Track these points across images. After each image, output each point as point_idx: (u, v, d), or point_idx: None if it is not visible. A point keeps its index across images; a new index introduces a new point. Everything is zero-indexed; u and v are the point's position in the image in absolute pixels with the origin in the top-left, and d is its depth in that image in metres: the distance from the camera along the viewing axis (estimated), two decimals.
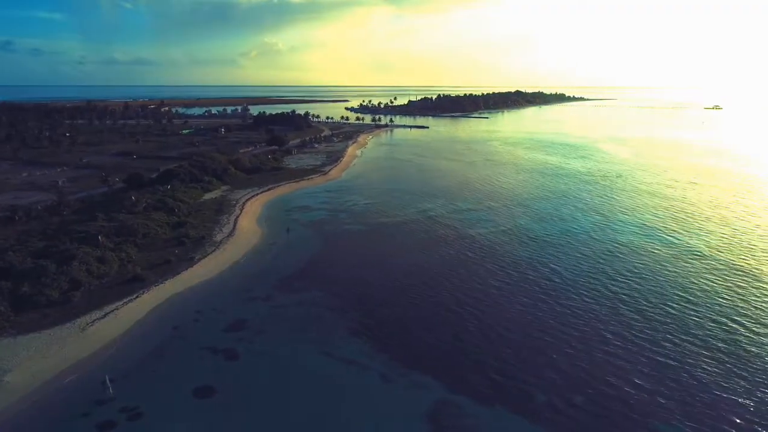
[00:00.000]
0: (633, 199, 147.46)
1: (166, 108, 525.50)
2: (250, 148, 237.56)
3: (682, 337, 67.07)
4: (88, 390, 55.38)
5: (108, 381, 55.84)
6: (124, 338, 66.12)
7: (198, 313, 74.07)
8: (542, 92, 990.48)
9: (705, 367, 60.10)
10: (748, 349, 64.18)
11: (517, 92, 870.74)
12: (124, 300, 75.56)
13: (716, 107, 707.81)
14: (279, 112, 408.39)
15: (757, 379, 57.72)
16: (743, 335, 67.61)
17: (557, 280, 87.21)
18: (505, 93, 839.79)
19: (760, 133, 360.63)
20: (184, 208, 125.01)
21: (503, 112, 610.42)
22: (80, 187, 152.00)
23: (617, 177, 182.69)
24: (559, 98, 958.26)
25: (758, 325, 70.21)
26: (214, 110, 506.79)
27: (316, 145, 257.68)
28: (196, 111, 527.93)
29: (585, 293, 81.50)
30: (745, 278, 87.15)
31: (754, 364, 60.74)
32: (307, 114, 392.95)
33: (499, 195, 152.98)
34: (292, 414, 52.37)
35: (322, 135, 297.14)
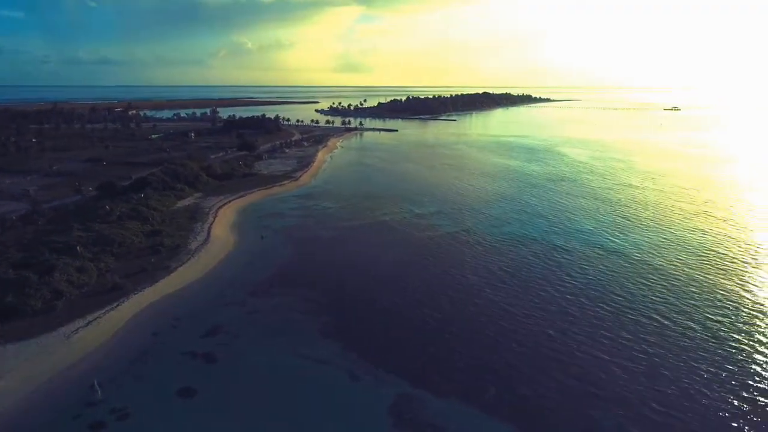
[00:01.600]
0: (579, 202, 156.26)
1: (134, 111, 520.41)
2: (220, 154, 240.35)
3: (617, 332, 74.78)
4: (78, 393, 59.79)
5: (96, 384, 60.38)
6: (108, 345, 70.53)
7: (177, 319, 78.74)
8: (510, 93, 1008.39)
9: (638, 359, 67.78)
10: (679, 343, 72.20)
11: (485, 94, 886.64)
12: (105, 309, 79.66)
13: (675, 108, 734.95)
14: (249, 115, 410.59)
15: (682, 371, 65.52)
16: (672, 330, 75.67)
17: (508, 281, 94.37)
18: (474, 94, 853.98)
19: (711, 134, 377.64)
20: (158, 217, 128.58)
21: (471, 114, 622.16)
22: (53, 195, 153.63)
23: (568, 180, 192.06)
24: (526, 99, 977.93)
25: (683, 318, 78.46)
26: (182, 113, 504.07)
27: (287, 150, 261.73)
28: (165, 114, 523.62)
29: (533, 294, 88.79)
30: (670, 279, 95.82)
31: (682, 356, 68.69)
32: (277, 117, 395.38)
33: (459, 200, 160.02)
34: (268, 411, 57.83)
35: (293, 139, 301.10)
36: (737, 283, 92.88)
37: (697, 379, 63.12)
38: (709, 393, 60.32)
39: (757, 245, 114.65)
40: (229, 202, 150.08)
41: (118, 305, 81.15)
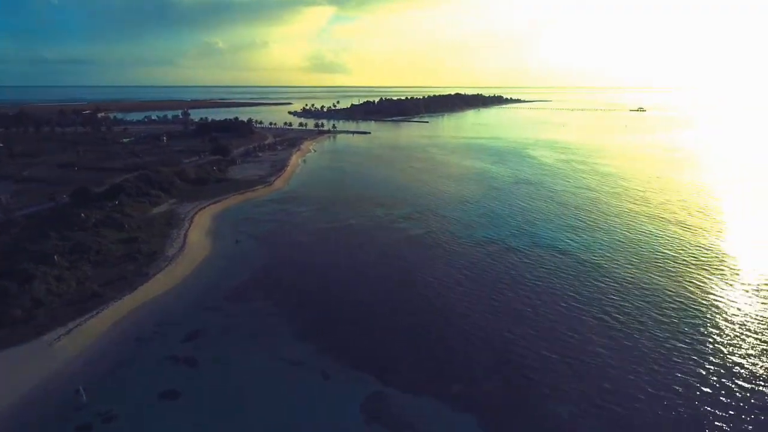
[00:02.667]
0: (538, 205, 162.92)
1: (103, 113, 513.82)
2: (194, 158, 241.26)
3: (577, 329, 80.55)
4: (64, 399, 62.64)
5: (82, 389, 63.29)
6: (91, 351, 73.28)
7: (157, 325, 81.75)
8: (481, 94, 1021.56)
9: (588, 355, 73.54)
10: (624, 343, 78.28)
11: (457, 95, 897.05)
12: (86, 316, 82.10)
13: (640, 109, 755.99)
14: (222, 118, 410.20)
15: (627, 367, 71.44)
16: (619, 329, 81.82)
17: (470, 283, 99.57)
18: (446, 95, 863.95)
19: (670, 136, 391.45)
20: (133, 224, 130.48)
21: (443, 115, 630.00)
22: (25, 202, 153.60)
23: (532, 183, 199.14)
24: (497, 101, 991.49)
25: (629, 318, 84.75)
26: (154, 116, 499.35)
27: (260, 154, 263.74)
28: (135, 116, 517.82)
29: (492, 295, 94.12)
30: (618, 280, 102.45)
31: (628, 353, 74.69)
32: (250, 120, 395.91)
33: (428, 204, 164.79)
34: (247, 410, 61.61)
35: (266, 143, 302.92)
36: (679, 284, 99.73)
37: (641, 373, 69.01)
38: (650, 387, 66.22)
39: (699, 245, 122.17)
40: (204, 207, 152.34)
41: (98, 313, 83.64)
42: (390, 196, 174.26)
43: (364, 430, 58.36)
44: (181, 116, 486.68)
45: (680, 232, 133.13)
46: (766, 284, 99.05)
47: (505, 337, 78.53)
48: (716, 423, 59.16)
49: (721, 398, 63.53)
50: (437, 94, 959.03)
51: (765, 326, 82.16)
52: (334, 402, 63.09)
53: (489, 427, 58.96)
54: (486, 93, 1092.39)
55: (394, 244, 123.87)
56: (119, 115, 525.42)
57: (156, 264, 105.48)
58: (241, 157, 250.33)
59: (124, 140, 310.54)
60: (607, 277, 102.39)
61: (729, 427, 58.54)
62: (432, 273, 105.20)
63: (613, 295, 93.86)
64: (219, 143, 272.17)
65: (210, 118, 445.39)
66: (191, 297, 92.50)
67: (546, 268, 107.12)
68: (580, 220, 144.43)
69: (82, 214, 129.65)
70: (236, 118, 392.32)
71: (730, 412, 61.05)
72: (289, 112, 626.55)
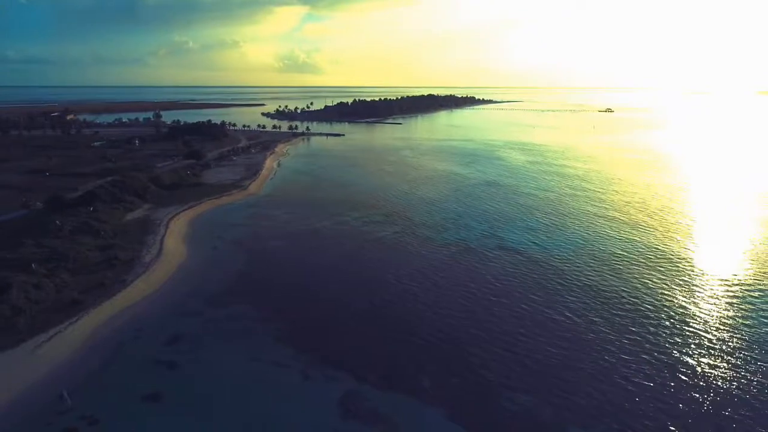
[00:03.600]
0: (502, 208, 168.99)
1: (72, 115, 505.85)
2: (167, 162, 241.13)
3: (534, 328, 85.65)
4: (49, 403, 64.73)
5: (66, 394, 65.53)
6: (73, 357, 75.29)
7: (137, 330, 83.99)
8: (454, 95, 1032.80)
9: (550, 352, 78.61)
10: (575, 340, 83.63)
11: (430, 96, 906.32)
12: (66, 323, 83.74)
13: (608, 110, 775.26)
14: (195, 121, 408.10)
15: (586, 362, 76.69)
16: (571, 328, 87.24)
17: (440, 283, 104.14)
18: (419, 96, 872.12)
19: (635, 137, 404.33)
20: (109, 230, 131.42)
21: (417, 117, 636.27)
22: None
23: (500, 186, 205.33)
24: (470, 101, 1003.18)
25: (585, 318, 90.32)
26: (125, 118, 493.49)
27: (234, 158, 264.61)
28: (105, 118, 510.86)
29: (459, 295, 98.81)
30: (573, 280, 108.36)
31: (587, 349, 79.98)
32: (223, 123, 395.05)
33: (400, 207, 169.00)
34: (229, 410, 64.69)
35: (240, 146, 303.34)
36: (630, 284, 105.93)
37: (600, 367, 74.28)
38: (597, 379, 71.50)
39: (651, 246, 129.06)
40: (180, 213, 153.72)
41: (78, 319, 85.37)
42: (364, 200, 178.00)
43: (340, 424, 62.02)
44: (152, 118, 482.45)
45: (635, 233, 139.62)
46: (710, 284, 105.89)
47: (470, 334, 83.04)
48: (652, 412, 64.53)
49: (661, 389, 69.00)
50: (411, 94, 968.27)
51: (706, 324, 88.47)
52: (313, 400, 66.59)
53: (455, 417, 63.22)
54: (459, 93, 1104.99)
55: (368, 247, 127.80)
56: (89, 118, 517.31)
57: (134, 271, 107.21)
58: (215, 161, 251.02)
59: (96, 144, 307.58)
60: (563, 278, 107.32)
61: (662, 414, 63.94)
62: (403, 274, 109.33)
63: (568, 295, 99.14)
64: (193, 147, 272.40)
65: (182, 121, 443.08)
66: (170, 303, 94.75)
67: (508, 270, 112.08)
68: (542, 222, 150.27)
69: (57, 222, 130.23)
70: (209, 121, 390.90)
71: (668, 401, 66.56)
72: (263, 114, 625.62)
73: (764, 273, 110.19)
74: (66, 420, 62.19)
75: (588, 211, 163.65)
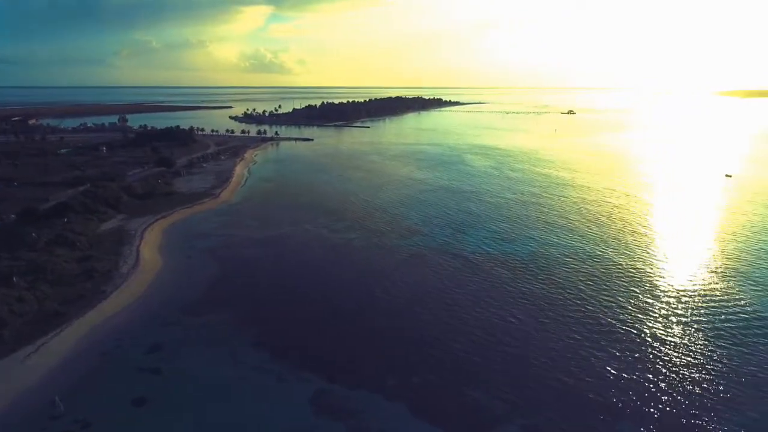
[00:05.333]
0: (461, 217, 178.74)
1: (34, 120, 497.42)
2: (137, 170, 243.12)
3: (489, 329, 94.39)
4: (42, 409, 70.02)
5: (58, 400, 70.96)
6: (61, 366, 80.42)
7: (119, 340, 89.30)
8: (421, 96, 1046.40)
9: (505, 352, 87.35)
10: (526, 339, 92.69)
11: (398, 98, 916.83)
12: (51, 334, 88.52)
13: (570, 112, 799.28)
14: (162, 124, 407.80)
15: (542, 358, 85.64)
16: (520, 329, 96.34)
17: (406, 287, 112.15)
18: (387, 99, 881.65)
19: (595, 140, 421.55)
20: (85, 242, 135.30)
21: (385, 120, 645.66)
22: None
23: (463, 192, 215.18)
24: (437, 103, 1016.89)
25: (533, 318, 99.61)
26: (90, 122, 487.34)
27: (204, 165, 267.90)
28: (70, 123, 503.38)
29: (423, 298, 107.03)
30: (525, 285, 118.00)
31: (532, 346, 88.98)
32: (192, 129, 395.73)
33: (368, 213, 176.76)
34: (211, 411, 71.12)
35: (209, 152, 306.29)
36: (567, 290, 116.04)
37: (542, 361, 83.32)
38: (549, 372, 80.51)
39: (594, 255, 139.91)
40: (154, 223, 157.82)
41: (62, 331, 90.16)
42: (332, 206, 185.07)
43: (312, 420, 69.31)
44: (118, 123, 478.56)
45: (581, 240, 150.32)
46: (644, 283, 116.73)
47: (431, 336, 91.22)
48: (589, 404, 73.80)
49: (600, 383, 78.42)
50: (379, 95, 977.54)
51: (651, 322, 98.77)
52: (288, 400, 73.62)
53: (418, 412, 71.05)
54: (426, 94, 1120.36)
55: (336, 252, 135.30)
56: (53, 122, 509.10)
57: (112, 282, 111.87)
58: (186, 168, 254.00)
59: (62, 151, 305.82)
60: (511, 286, 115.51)
61: (611, 403, 73.24)
62: (369, 277, 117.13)
63: (520, 298, 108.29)
64: (162, 154, 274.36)
65: (150, 126, 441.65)
66: (149, 312, 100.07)
67: (465, 275, 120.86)
68: (501, 227, 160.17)
69: (34, 234, 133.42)
70: (178, 127, 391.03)
71: (604, 393, 75.96)
72: (231, 117, 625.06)
73: (698, 264, 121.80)
74: (60, 424, 67.69)
75: (541, 218, 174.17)
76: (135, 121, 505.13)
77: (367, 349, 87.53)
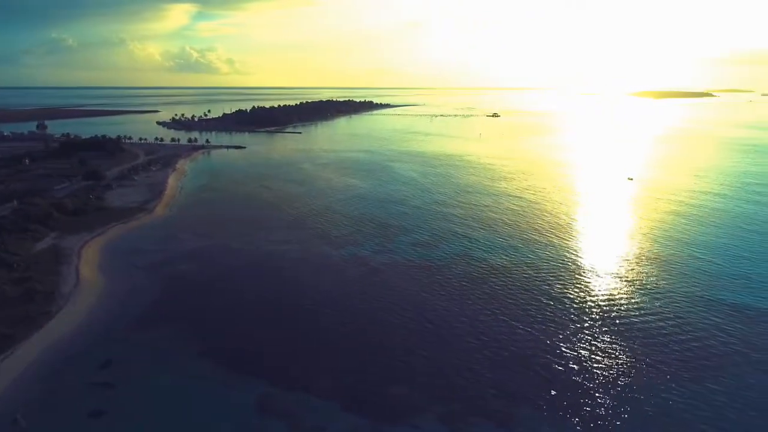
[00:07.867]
0: (394, 224, 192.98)
1: None
2: (65, 184, 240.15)
3: (413, 331, 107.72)
4: (4, 428, 76.58)
5: (20, 416, 77.59)
6: (17, 385, 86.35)
7: (71, 358, 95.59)
8: (352, 99, 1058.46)
9: (436, 352, 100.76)
10: (443, 338, 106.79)
11: (329, 101, 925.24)
12: (2, 357, 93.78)
13: (495, 115, 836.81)
14: (86, 131, 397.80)
15: (453, 355, 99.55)
16: (434, 330, 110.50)
17: (344, 296, 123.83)
18: (318, 102, 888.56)
19: (516, 144, 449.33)
20: (21, 262, 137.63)
21: (316, 124, 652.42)
22: None
23: (393, 202, 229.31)
24: (368, 106, 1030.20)
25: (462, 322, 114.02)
26: (6, 131, 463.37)
27: (135, 177, 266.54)
28: None
29: (357, 304, 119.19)
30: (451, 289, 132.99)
31: (449, 344, 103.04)
32: (119, 137, 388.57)
33: (305, 223, 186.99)
34: (163, 418, 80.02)
35: (139, 162, 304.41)
36: (496, 283, 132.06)
37: (461, 359, 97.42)
38: (466, 368, 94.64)
39: (517, 258, 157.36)
40: (90, 240, 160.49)
41: (13, 352, 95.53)
42: (268, 218, 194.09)
43: (256, 419, 79.92)
44: (37, 130, 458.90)
45: (506, 242, 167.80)
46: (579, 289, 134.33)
47: (362, 338, 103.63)
48: (502, 396, 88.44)
49: (517, 378, 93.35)
50: (310, 96, 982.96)
51: (585, 317, 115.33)
52: (234, 403, 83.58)
53: (350, 408, 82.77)
54: (359, 95, 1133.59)
55: (273, 262, 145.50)
56: None
57: (55, 302, 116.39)
58: (116, 181, 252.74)
59: None
60: (440, 290, 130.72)
61: (512, 390, 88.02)
62: (305, 285, 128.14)
63: (442, 302, 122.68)
64: (91, 166, 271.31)
65: (73, 134, 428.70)
66: (96, 331, 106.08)
67: (396, 280, 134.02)
68: (426, 233, 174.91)
69: None
70: (104, 136, 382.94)
71: (522, 388, 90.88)
72: (158, 123, 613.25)
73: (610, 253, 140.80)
74: None
75: (465, 222, 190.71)
76: (56, 128, 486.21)
77: (303, 354, 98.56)
